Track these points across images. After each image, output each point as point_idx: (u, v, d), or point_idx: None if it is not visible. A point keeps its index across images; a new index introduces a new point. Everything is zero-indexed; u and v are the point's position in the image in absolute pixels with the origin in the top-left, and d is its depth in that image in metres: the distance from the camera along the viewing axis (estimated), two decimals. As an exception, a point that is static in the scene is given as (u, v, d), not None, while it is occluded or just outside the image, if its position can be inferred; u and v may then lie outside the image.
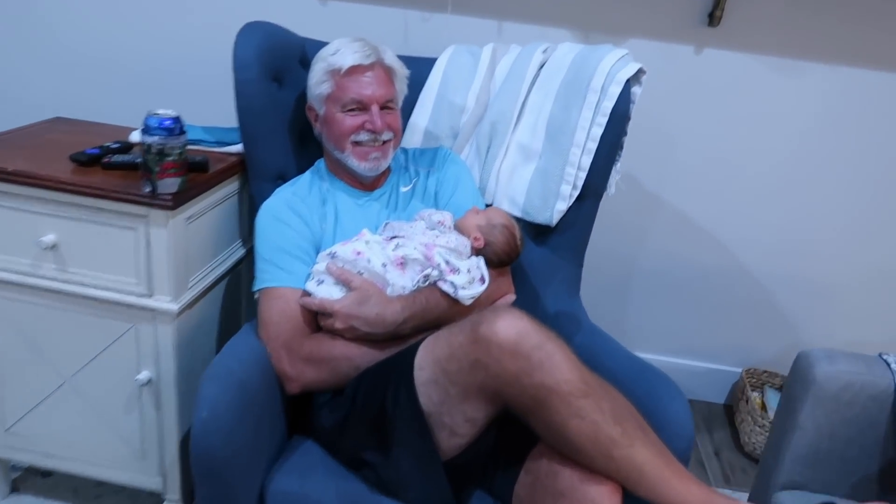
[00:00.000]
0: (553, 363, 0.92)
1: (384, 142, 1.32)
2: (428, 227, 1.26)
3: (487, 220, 1.28)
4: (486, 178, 1.53)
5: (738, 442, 1.99)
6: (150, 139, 1.14)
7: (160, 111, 1.15)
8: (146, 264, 1.24)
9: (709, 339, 2.12)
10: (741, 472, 1.89)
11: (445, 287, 1.19)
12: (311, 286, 1.20)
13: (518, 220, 1.50)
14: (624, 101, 1.43)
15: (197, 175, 1.29)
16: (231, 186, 1.43)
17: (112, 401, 1.36)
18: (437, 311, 1.20)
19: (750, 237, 1.97)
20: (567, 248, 1.54)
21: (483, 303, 1.24)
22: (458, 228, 1.28)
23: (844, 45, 1.74)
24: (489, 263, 1.26)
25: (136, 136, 1.42)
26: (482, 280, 1.23)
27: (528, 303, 1.45)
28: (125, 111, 1.68)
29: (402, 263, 1.20)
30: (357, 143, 1.31)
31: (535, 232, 1.53)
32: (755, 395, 2.00)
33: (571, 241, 1.53)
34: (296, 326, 1.20)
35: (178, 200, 1.20)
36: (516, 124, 1.53)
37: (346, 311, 1.15)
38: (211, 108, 1.62)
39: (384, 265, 1.19)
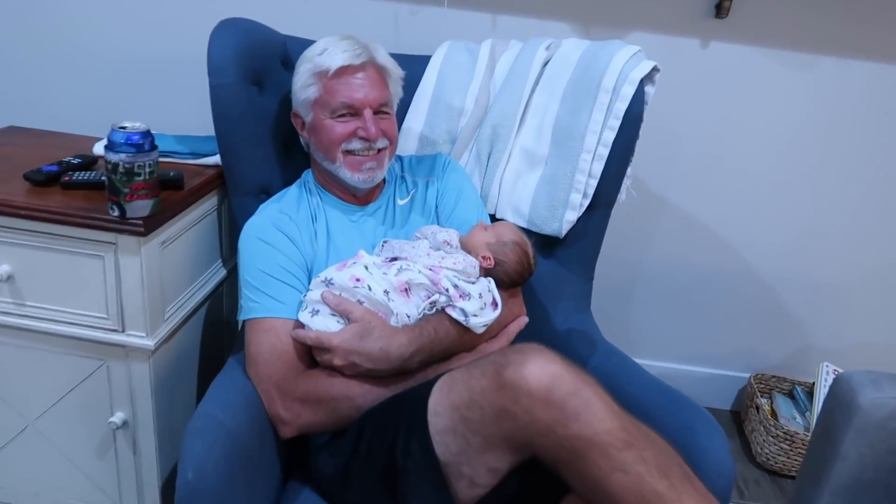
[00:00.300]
0: (591, 412, 0.81)
1: (379, 150, 1.19)
2: (432, 246, 1.14)
3: (497, 237, 1.16)
4: (488, 186, 1.41)
5: (750, 452, 1.91)
6: (116, 157, 1.00)
7: (127, 124, 1.01)
8: (117, 296, 1.10)
9: (714, 344, 2.04)
10: (755, 484, 1.81)
11: (455, 314, 1.07)
12: (304, 317, 1.07)
13: (524, 231, 1.39)
14: (638, 102, 1.32)
15: (171, 193, 1.16)
16: (209, 203, 1.29)
17: (84, 445, 1.22)
18: (447, 342, 1.08)
19: (757, 238, 1.89)
20: (577, 261, 1.43)
21: (494, 328, 1.13)
22: (465, 247, 1.16)
23: (855, 38, 1.65)
24: (499, 284, 1.15)
25: (99, 148, 1.27)
26: (495, 304, 1.11)
27: (536, 320, 1.33)
28: (87, 118, 1.53)
29: (407, 289, 1.08)
30: (349, 153, 1.18)
31: (542, 243, 1.42)
32: (764, 402, 1.93)
33: (581, 253, 1.42)
34: (288, 363, 1.07)
35: (151, 224, 1.06)
36: (519, 128, 1.41)
37: (345, 347, 1.03)
38: (184, 115, 1.48)
39: (386, 292, 1.07)
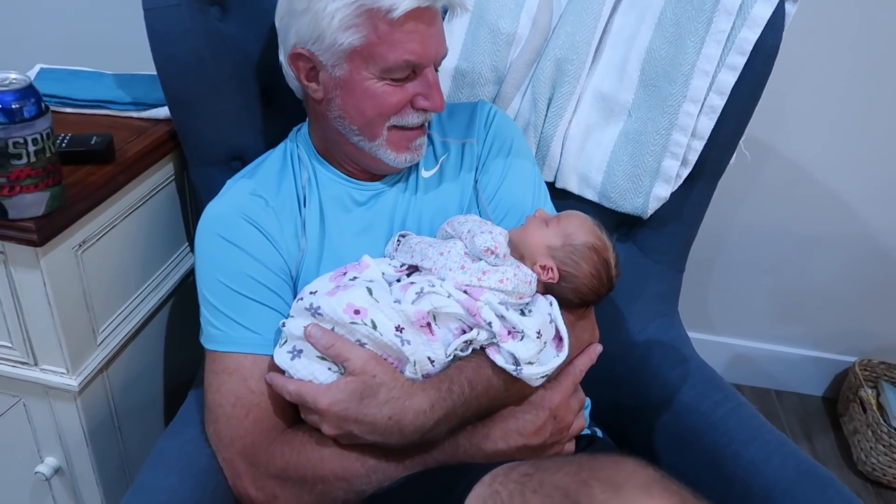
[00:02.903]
0: None
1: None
2: (469, 252, 0.78)
3: (564, 237, 0.79)
4: (546, 143, 1.02)
5: (849, 456, 1.58)
6: (-22, 130, 0.64)
7: (-3, 75, 0.66)
8: (18, 322, 0.78)
9: (810, 322, 1.68)
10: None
11: (501, 360, 0.73)
12: (281, 357, 0.74)
13: (594, 206, 1.02)
14: (774, 29, 0.90)
15: (93, 170, 0.80)
16: (161, 173, 0.94)
17: (11, 499, 0.94)
18: (487, 399, 0.74)
19: (877, 198, 1.49)
20: (664, 249, 1.05)
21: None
22: (515, 248, 0.80)
23: None
24: (564, 304, 0.79)
25: None
26: (558, 342, 0.76)
27: (605, 327, 0.97)
28: None
29: (430, 323, 0.73)
30: (396, 127, 0.81)
31: (617, 222, 1.05)
32: (871, 394, 1.57)
33: (671, 239, 1.05)
34: (260, 422, 0.75)
35: (51, 226, 0.72)
36: (594, 63, 1.01)
37: (338, 412, 0.70)
38: (132, 45, 1.09)
39: (399, 330, 0.72)
